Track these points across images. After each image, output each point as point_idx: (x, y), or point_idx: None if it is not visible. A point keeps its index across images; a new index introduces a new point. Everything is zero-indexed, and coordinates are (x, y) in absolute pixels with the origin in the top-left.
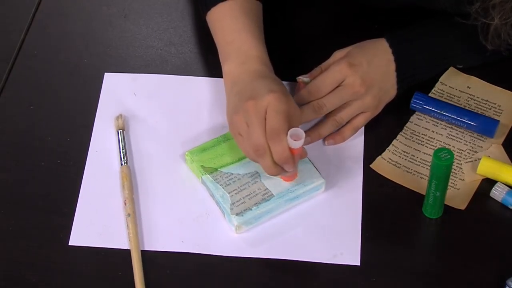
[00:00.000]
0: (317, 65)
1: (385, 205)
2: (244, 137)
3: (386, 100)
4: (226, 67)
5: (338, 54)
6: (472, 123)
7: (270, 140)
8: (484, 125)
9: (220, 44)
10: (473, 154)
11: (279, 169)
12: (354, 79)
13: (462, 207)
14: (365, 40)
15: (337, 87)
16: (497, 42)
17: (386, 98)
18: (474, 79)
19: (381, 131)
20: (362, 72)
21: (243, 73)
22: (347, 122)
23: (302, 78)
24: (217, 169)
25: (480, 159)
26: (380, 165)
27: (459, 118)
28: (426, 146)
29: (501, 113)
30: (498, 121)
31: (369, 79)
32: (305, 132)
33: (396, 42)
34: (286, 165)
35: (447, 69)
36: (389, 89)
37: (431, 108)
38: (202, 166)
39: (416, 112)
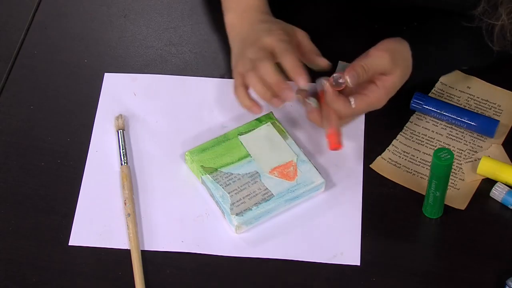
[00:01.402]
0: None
1: (385, 205)
2: (247, 80)
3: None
4: (227, 18)
5: (371, 51)
6: (472, 123)
7: (282, 54)
8: (484, 125)
9: None
10: (473, 154)
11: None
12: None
13: (462, 207)
14: (394, 39)
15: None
16: (503, 43)
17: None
18: (474, 79)
19: (381, 131)
20: (397, 71)
21: (244, 23)
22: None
23: (345, 77)
24: (217, 169)
25: (480, 159)
26: (380, 165)
27: (459, 118)
28: (426, 146)
29: (501, 113)
30: (498, 121)
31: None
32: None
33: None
34: (299, 78)
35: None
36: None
37: (431, 108)
38: (202, 166)
39: (416, 112)
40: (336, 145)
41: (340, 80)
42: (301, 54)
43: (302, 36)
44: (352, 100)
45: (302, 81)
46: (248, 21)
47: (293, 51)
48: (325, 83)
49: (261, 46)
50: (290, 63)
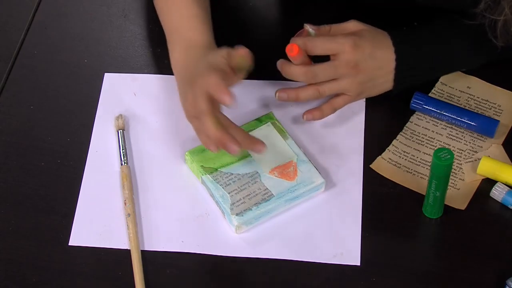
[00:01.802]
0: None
1: (385, 205)
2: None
3: (374, 93)
4: (174, 54)
5: (352, 25)
6: (472, 123)
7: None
8: (484, 125)
9: (166, 31)
10: (473, 154)
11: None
12: (350, 58)
13: (462, 207)
14: (379, 29)
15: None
16: (507, 38)
17: (374, 91)
18: (474, 79)
19: (381, 131)
20: (361, 56)
21: (189, 60)
22: (327, 101)
23: (308, 28)
24: (217, 169)
25: (480, 159)
26: (380, 165)
27: (459, 118)
28: (426, 146)
29: (501, 113)
30: (498, 121)
31: (364, 65)
32: (284, 90)
33: (400, 43)
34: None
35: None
36: (382, 83)
37: (431, 108)
38: (202, 166)
39: (416, 112)
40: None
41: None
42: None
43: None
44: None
45: (228, 100)
46: (193, 58)
47: (214, 73)
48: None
49: (198, 92)
50: (213, 86)
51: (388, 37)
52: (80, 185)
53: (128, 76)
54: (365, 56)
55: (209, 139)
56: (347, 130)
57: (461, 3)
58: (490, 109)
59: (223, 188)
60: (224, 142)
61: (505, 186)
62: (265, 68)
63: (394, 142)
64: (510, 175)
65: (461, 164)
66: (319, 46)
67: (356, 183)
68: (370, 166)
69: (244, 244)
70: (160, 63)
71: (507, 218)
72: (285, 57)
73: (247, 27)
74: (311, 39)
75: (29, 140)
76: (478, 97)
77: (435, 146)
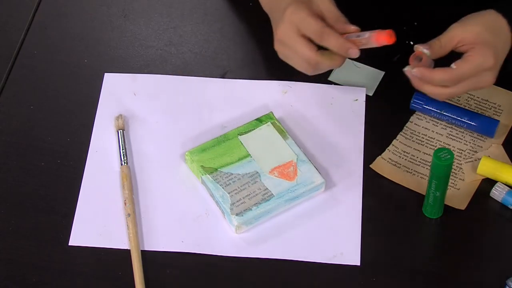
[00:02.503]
0: None
1: (385, 205)
2: (294, 59)
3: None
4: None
5: (458, 32)
6: (472, 123)
7: (322, 41)
8: (484, 125)
9: None
10: (473, 154)
11: (341, 58)
12: (492, 75)
13: (462, 207)
14: (486, 17)
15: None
16: None
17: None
18: None
19: (381, 131)
20: (498, 66)
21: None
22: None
23: (422, 49)
24: (217, 169)
25: (480, 159)
26: (380, 165)
27: (459, 118)
28: (426, 146)
29: (501, 113)
30: (498, 121)
31: (500, 60)
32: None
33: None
34: (350, 50)
35: None
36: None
37: (431, 108)
38: (202, 166)
39: (416, 112)
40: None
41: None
42: (327, 24)
43: (324, 2)
44: (453, 65)
45: (355, 52)
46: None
47: (328, 30)
48: (409, 70)
49: (284, 32)
50: (333, 42)
51: (504, 22)
52: (80, 185)
53: (128, 76)
54: (499, 62)
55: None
56: (347, 130)
57: None
58: (490, 109)
59: (223, 188)
60: (344, 48)
61: (505, 186)
62: (265, 68)
63: (394, 142)
64: (510, 175)
65: (461, 164)
66: (464, 75)
67: (356, 183)
68: (370, 166)
69: (244, 244)
70: (160, 63)
71: (507, 218)
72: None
73: (247, 27)
74: (453, 74)
75: (29, 140)
76: (478, 97)
77: (435, 146)
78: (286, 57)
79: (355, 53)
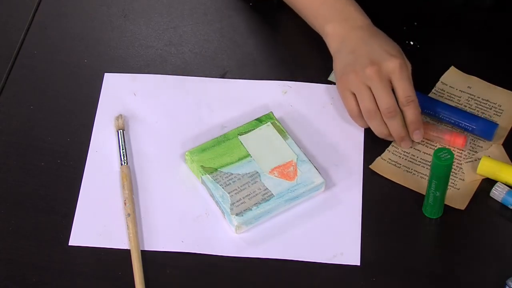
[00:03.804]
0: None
1: (385, 205)
2: (364, 99)
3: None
4: (328, 28)
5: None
6: (471, 126)
7: (407, 106)
8: (482, 128)
9: (311, 8)
10: (473, 154)
11: (406, 132)
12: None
13: (462, 207)
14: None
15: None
16: None
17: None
18: (475, 79)
19: None
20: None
21: (350, 31)
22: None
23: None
24: (217, 169)
25: (480, 159)
26: (380, 165)
27: (458, 120)
28: (426, 146)
29: (501, 113)
30: (497, 124)
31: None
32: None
33: None
34: (417, 132)
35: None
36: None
37: (429, 110)
38: (202, 166)
39: None
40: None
41: None
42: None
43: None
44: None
45: (419, 136)
46: (355, 30)
47: (415, 101)
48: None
49: (383, 74)
50: (412, 116)
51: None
52: (80, 185)
53: (128, 76)
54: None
55: (376, 113)
56: (347, 130)
57: None
58: (491, 109)
59: (223, 188)
60: (415, 129)
61: (505, 186)
62: (265, 68)
63: (394, 142)
64: (510, 175)
65: (461, 164)
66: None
67: (356, 183)
68: (370, 167)
69: (244, 244)
70: (160, 63)
71: (507, 218)
72: (281, 56)
73: (247, 27)
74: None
75: (29, 140)
76: (479, 97)
77: (435, 146)
78: (357, 91)
79: (419, 138)
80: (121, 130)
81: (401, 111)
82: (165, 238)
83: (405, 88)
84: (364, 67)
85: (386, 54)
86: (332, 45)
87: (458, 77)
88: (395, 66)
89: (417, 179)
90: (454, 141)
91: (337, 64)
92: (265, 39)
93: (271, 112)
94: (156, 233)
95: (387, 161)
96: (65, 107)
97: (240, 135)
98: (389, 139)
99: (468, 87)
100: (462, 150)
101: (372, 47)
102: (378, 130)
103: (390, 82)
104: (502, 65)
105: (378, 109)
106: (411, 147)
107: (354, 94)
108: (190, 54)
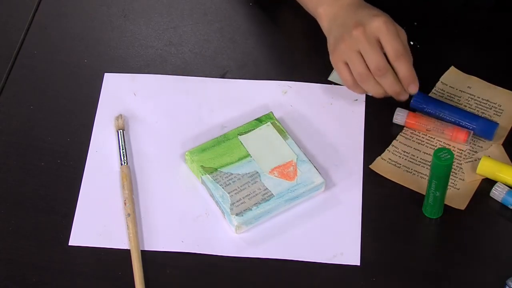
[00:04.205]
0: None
1: (385, 205)
2: (355, 64)
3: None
4: (320, 10)
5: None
6: (471, 125)
7: (396, 61)
8: (482, 127)
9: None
10: (473, 154)
11: (401, 87)
12: (371, 21)
13: (462, 207)
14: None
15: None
16: None
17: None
18: (475, 78)
19: (381, 131)
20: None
21: (339, 9)
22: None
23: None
24: (217, 169)
25: (480, 159)
26: (380, 165)
27: (458, 120)
28: (426, 146)
29: (501, 112)
30: (497, 124)
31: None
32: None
33: None
34: (411, 85)
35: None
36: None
37: (430, 109)
38: (202, 166)
39: (417, 112)
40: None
41: None
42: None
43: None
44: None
45: (415, 89)
46: (345, 7)
47: (405, 55)
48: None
49: (368, 33)
50: (404, 70)
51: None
52: (80, 185)
53: (128, 76)
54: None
55: (367, 73)
56: (347, 130)
57: None
58: (491, 109)
59: (223, 188)
60: (409, 82)
61: (505, 186)
62: (265, 68)
63: (394, 142)
64: (509, 176)
65: (461, 164)
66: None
67: (356, 183)
68: (370, 167)
69: (244, 244)
70: (160, 63)
71: (507, 218)
72: (281, 56)
73: (247, 27)
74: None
75: (29, 140)
76: (479, 97)
77: (435, 146)
78: (347, 58)
79: (414, 90)
80: (121, 130)
81: (393, 67)
82: (165, 238)
83: (392, 44)
84: (350, 32)
85: (371, 16)
86: (324, 25)
87: (458, 77)
88: (379, 24)
89: (417, 179)
90: (456, 135)
91: (330, 41)
92: (265, 39)
93: (271, 112)
94: (156, 233)
95: (387, 161)
96: (65, 107)
97: (240, 135)
98: (388, 96)
99: (468, 87)
100: (462, 150)
101: (359, 14)
102: (374, 91)
103: (379, 42)
104: (502, 65)
105: (370, 71)
106: (411, 147)
107: (347, 64)
108: (190, 54)
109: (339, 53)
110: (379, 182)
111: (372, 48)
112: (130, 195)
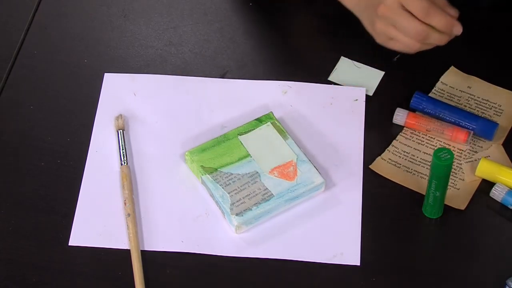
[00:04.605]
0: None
1: (385, 205)
2: (398, 37)
3: None
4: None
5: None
6: (471, 125)
7: (427, 17)
8: (482, 127)
9: None
10: (473, 154)
11: (447, 36)
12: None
13: (462, 207)
14: None
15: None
16: None
17: None
18: (475, 78)
19: (381, 131)
20: None
21: None
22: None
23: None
24: (217, 169)
25: (480, 159)
26: (380, 165)
27: (458, 120)
28: (426, 146)
29: (501, 112)
30: (497, 124)
31: None
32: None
33: None
34: (455, 28)
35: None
36: None
37: (430, 109)
38: (202, 166)
39: (417, 112)
40: None
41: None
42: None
43: None
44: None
45: (459, 29)
46: None
47: (433, 7)
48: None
49: (392, 6)
50: (439, 23)
51: None
52: (80, 185)
53: (128, 76)
54: None
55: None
56: (347, 130)
57: None
58: (491, 109)
59: (223, 188)
60: (449, 26)
61: (505, 186)
62: (265, 68)
63: (394, 142)
64: (508, 178)
65: (461, 164)
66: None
67: (356, 183)
68: (370, 167)
69: (244, 244)
70: (160, 63)
71: (507, 218)
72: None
73: (247, 27)
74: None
75: (29, 140)
76: (479, 97)
77: (435, 146)
78: (388, 35)
79: (459, 30)
80: (121, 130)
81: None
82: (165, 238)
83: (414, 4)
84: (376, 12)
85: None
86: (351, 7)
87: (458, 77)
88: None
89: (417, 179)
90: (456, 136)
91: (364, 23)
92: (265, 39)
93: (271, 112)
94: (156, 233)
95: (387, 161)
96: (65, 107)
97: (240, 135)
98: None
99: (468, 87)
100: (462, 150)
101: None
102: (435, 43)
103: (405, 8)
104: (502, 65)
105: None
106: (411, 147)
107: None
108: (190, 54)
109: (380, 35)
110: (379, 182)
111: (401, 19)
112: (130, 195)
